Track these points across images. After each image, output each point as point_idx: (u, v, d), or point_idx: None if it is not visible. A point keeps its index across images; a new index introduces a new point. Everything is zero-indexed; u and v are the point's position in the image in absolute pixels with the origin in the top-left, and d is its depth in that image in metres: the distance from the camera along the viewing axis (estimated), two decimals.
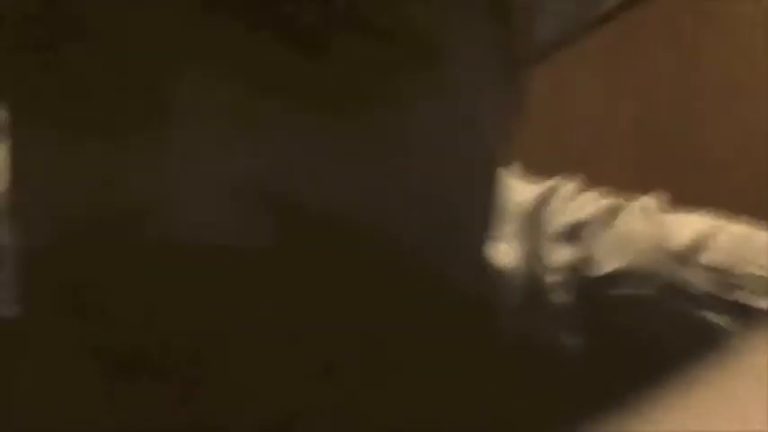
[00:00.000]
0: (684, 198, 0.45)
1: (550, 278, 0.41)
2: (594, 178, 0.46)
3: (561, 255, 0.42)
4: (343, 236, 0.28)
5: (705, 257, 0.41)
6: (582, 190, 0.46)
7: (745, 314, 0.40)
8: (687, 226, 0.43)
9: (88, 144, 0.28)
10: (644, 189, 0.46)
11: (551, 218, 0.43)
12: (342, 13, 0.27)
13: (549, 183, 0.45)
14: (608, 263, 0.42)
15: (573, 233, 0.43)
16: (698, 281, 0.41)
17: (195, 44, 0.27)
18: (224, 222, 0.26)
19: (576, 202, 0.44)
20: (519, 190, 0.42)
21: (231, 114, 0.27)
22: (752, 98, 1.47)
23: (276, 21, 0.27)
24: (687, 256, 0.42)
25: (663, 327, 0.40)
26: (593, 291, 0.41)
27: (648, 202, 0.45)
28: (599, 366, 0.40)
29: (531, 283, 0.41)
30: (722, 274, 0.41)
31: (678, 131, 1.56)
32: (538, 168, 0.46)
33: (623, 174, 1.28)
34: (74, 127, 0.28)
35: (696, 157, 1.53)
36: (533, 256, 0.42)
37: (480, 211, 0.33)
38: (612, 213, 0.44)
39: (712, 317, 0.40)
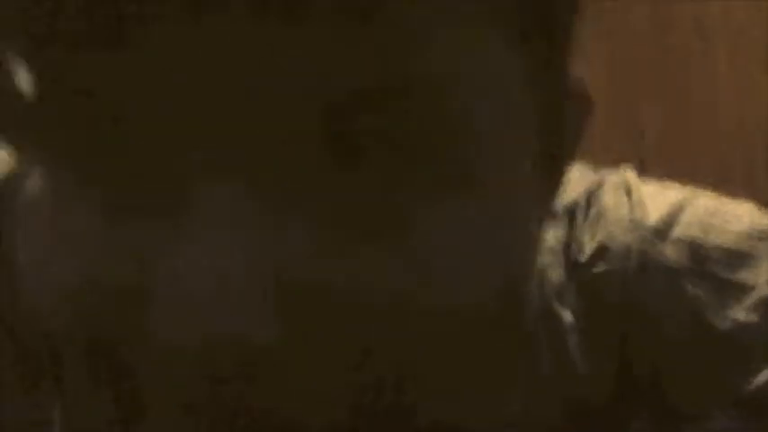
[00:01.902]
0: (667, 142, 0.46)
1: (545, 259, 0.43)
2: None
3: (553, 235, 0.43)
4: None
5: (678, 231, 0.43)
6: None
7: (718, 285, 0.42)
8: (659, 199, 0.44)
9: (118, 218, 0.28)
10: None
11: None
12: (385, 130, 0.27)
13: None
14: (590, 242, 0.43)
15: (561, 215, 0.44)
16: (673, 255, 0.42)
17: (231, 143, 0.27)
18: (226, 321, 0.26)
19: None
20: None
21: (248, 216, 0.27)
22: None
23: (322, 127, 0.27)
24: (661, 230, 0.43)
25: (646, 299, 0.42)
26: (579, 269, 0.43)
27: (623, 176, 0.46)
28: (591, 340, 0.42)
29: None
30: (694, 247, 0.43)
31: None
32: None
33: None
34: (110, 199, 0.28)
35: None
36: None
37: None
38: (593, 192, 0.45)
39: (689, 289, 0.42)
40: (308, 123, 0.27)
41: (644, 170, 0.46)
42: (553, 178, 0.36)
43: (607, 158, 0.47)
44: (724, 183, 0.50)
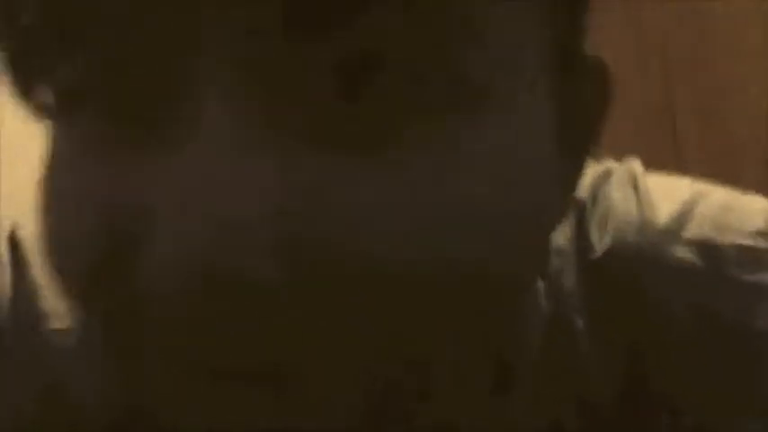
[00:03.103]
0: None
1: (555, 261, 0.41)
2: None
3: (561, 236, 0.42)
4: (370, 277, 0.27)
5: (690, 231, 0.41)
6: None
7: (734, 288, 0.40)
8: (669, 196, 0.42)
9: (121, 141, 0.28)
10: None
11: None
12: (389, 52, 0.26)
13: None
14: (599, 242, 0.41)
15: (570, 210, 0.42)
16: (685, 256, 0.40)
17: (241, 60, 0.26)
18: (230, 245, 0.25)
19: None
20: None
21: (254, 139, 0.26)
22: None
23: (323, 50, 0.26)
24: (673, 231, 0.41)
25: (659, 304, 0.40)
26: (590, 273, 0.41)
27: (629, 168, 0.44)
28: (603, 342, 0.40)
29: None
30: (708, 248, 0.40)
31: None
32: None
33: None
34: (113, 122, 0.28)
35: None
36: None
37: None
38: (599, 186, 0.43)
39: (704, 293, 0.40)
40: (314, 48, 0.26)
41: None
42: (577, 160, 0.35)
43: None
44: None
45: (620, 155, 0.45)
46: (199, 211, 0.25)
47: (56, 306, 0.39)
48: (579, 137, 0.34)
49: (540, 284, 0.41)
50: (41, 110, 0.30)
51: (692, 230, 0.41)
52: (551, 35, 0.31)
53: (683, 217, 0.41)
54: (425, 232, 0.27)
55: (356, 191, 0.27)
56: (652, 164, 0.45)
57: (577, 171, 0.36)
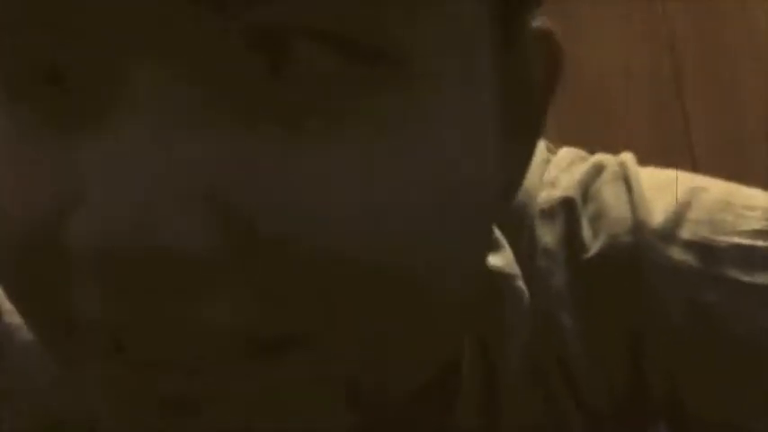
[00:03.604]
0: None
1: (543, 262, 0.40)
2: None
3: (550, 235, 0.41)
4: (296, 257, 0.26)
5: (686, 232, 0.39)
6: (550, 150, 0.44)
7: (733, 289, 0.38)
8: (663, 193, 0.41)
9: (45, 129, 0.27)
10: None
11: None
12: (320, 28, 0.25)
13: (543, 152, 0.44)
14: (592, 242, 0.40)
15: (556, 211, 0.41)
16: (682, 258, 0.39)
17: (161, 35, 0.25)
18: (160, 222, 0.24)
19: (562, 171, 0.42)
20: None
21: (182, 115, 0.25)
22: None
23: (250, 27, 0.25)
24: (668, 232, 0.39)
25: (656, 307, 0.39)
26: (583, 274, 0.40)
27: (620, 164, 0.42)
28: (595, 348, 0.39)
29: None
30: (704, 248, 0.39)
31: None
32: None
33: None
34: (36, 110, 0.27)
35: None
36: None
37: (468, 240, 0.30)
38: (589, 183, 0.42)
39: (703, 295, 0.38)
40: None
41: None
42: (523, 139, 0.33)
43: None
44: None
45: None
46: (126, 191, 0.24)
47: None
48: (524, 115, 0.33)
49: (521, 284, 0.39)
50: None
51: (689, 230, 0.39)
52: (490, 7, 0.29)
53: (678, 216, 0.40)
54: (356, 208, 0.26)
55: (284, 163, 0.26)
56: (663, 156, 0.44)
57: (524, 151, 0.34)
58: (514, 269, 0.40)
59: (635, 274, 0.39)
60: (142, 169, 0.24)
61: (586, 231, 0.40)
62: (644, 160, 0.43)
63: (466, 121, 0.29)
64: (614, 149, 0.44)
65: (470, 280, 0.31)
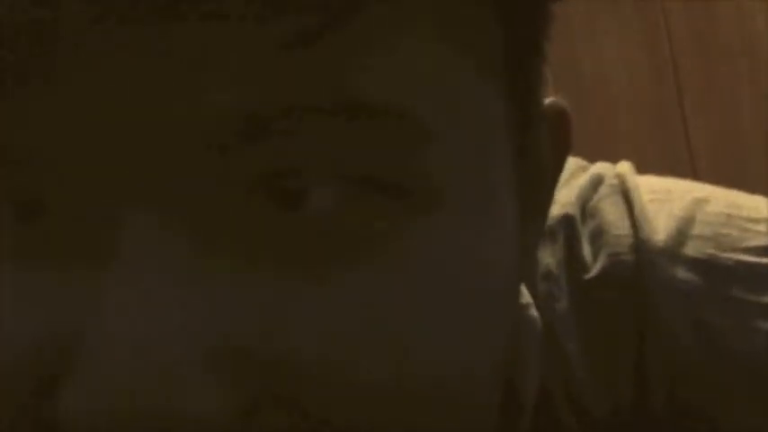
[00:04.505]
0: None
1: (544, 285, 0.39)
2: None
3: (551, 257, 0.39)
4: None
5: (689, 249, 0.38)
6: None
7: (739, 309, 0.37)
8: (665, 209, 0.39)
9: (40, 272, 0.25)
10: None
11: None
12: (326, 160, 0.24)
13: None
14: (592, 262, 0.39)
15: (556, 230, 0.40)
16: (686, 277, 0.38)
17: (158, 185, 0.24)
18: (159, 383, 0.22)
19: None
20: None
21: (180, 269, 0.23)
22: None
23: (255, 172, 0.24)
24: (671, 250, 0.38)
25: (660, 328, 0.38)
26: (584, 295, 0.38)
27: (619, 177, 0.41)
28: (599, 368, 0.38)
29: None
30: (709, 266, 0.38)
31: None
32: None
33: None
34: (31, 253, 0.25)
35: None
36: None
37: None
38: (587, 198, 0.40)
39: (708, 315, 0.37)
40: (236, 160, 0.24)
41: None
42: (535, 223, 0.32)
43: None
44: None
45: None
46: (122, 347, 0.22)
47: None
48: (538, 197, 0.32)
49: (534, 312, 0.38)
50: None
51: (693, 247, 0.38)
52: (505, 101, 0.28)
53: (681, 233, 0.38)
54: (384, 344, 0.24)
55: (309, 308, 0.24)
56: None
57: (537, 229, 0.33)
58: (526, 297, 0.38)
59: (638, 294, 0.38)
60: (137, 325, 0.22)
61: (586, 250, 0.39)
62: (643, 161, 0.42)
63: (490, 232, 0.27)
64: (613, 150, 0.43)
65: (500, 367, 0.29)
